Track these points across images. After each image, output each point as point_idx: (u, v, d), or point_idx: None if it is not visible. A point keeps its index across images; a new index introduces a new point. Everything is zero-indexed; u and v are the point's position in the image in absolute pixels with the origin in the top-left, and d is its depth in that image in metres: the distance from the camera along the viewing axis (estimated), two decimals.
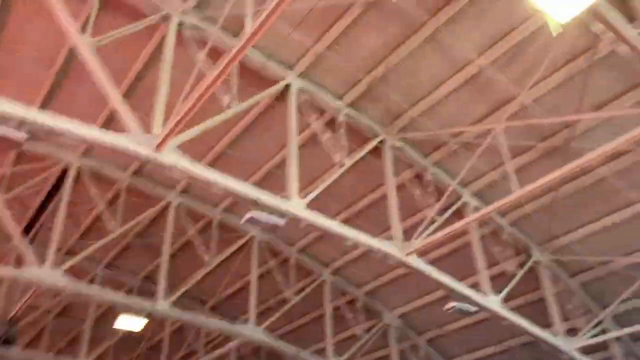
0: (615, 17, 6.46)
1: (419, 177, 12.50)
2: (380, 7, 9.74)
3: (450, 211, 12.00)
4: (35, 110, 7.83)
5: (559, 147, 11.22)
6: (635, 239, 12.50)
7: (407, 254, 10.63)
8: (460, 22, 9.78)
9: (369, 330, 16.87)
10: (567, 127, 10.82)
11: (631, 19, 8.56)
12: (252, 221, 9.53)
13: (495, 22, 9.69)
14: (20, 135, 7.55)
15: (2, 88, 11.18)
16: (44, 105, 11.67)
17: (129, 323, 15.43)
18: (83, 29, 8.79)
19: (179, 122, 8.06)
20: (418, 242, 10.55)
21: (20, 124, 7.46)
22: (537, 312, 13.79)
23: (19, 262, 15.33)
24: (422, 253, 11.24)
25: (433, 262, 14.07)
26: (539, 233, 13.35)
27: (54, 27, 9.71)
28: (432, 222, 11.26)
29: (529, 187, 9.25)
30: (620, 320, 13.85)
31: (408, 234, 11.30)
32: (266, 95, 10.74)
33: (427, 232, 10.76)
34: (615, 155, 10.99)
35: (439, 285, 11.46)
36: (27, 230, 15.51)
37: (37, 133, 8.27)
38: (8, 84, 11.31)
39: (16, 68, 11.06)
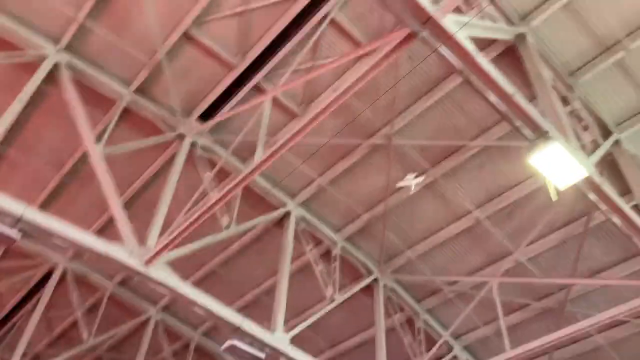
0: (609, 189, 6.71)
1: (410, 322, 12.13)
2: (384, 151, 10.17)
3: None
4: (34, 209, 7.83)
5: (553, 309, 11.02)
6: None
7: None
8: (460, 174, 10.15)
9: None
10: (562, 290, 10.71)
11: (624, 192, 8.89)
12: (232, 350, 9.05)
13: (494, 178, 10.04)
14: (14, 232, 7.47)
15: (8, 184, 11.37)
16: (45, 204, 11.72)
17: None
18: (99, 137, 9.10)
19: (175, 237, 8.02)
20: None
21: (17, 221, 7.41)
22: None
23: None
24: None
25: None
26: None
27: (71, 131, 10.13)
28: None
29: (522, 348, 8.92)
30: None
31: None
32: (266, 220, 10.81)
33: None
34: (612, 325, 10.71)
35: None
36: None
37: (30, 231, 8.20)
38: (15, 180, 11.46)
39: (26, 166, 11.28)
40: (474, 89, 6.57)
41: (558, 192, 7.19)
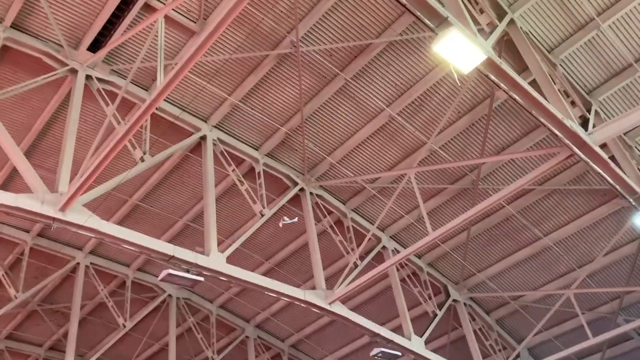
0: (507, 68, 7.03)
1: (338, 223, 12.63)
2: (292, 60, 10.00)
3: (370, 256, 12.18)
4: None
5: (467, 189, 11.84)
6: (543, 273, 13.26)
7: (331, 302, 10.56)
8: (369, 73, 10.24)
9: None
10: (473, 170, 11.47)
11: (522, 69, 9.40)
12: (170, 279, 9.08)
13: (402, 73, 10.23)
14: None
15: None
16: None
17: None
18: None
19: (87, 179, 7.65)
20: (341, 289, 10.53)
21: None
22: (460, 350, 14.10)
23: None
24: (345, 300, 11.22)
25: (356, 308, 14.17)
26: (456, 272, 13.82)
27: None
28: (354, 267, 11.33)
29: (442, 229, 9.58)
30: (535, 352, 14.49)
31: (331, 281, 11.30)
32: (181, 147, 10.53)
33: (350, 278, 10.79)
34: (519, 195, 11.75)
35: (364, 331, 11.43)
36: None
37: None
38: None
39: None
40: None
41: (462, 77, 7.46)
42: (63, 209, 7.79)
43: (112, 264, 14.21)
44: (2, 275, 12.77)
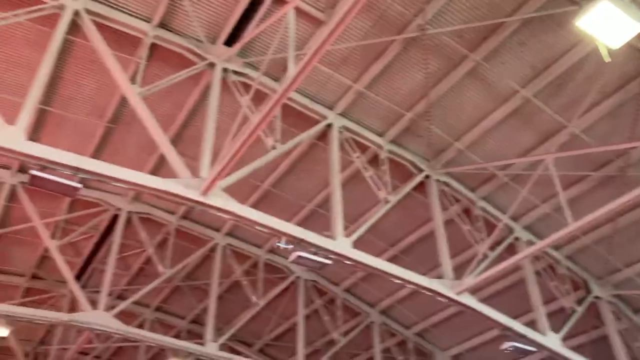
0: None
1: (467, 212, 12.20)
2: (419, 43, 9.77)
3: (502, 247, 11.63)
4: (88, 158, 8.11)
5: (614, 176, 10.78)
6: None
7: (459, 292, 10.28)
8: (502, 54, 9.69)
9: None
10: (621, 156, 10.41)
11: None
12: (299, 261, 9.47)
13: (539, 52, 9.54)
14: (74, 183, 7.81)
15: (57, 139, 11.77)
16: (96, 153, 12.14)
17: None
18: (132, 79, 9.16)
19: (225, 165, 8.19)
20: (470, 280, 10.20)
21: (74, 172, 7.73)
22: (600, 351, 13.00)
23: (72, 307, 15.72)
24: (474, 291, 10.86)
25: (486, 300, 13.61)
26: (598, 266, 12.72)
27: (106, 79, 10.24)
28: (484, 258, 10.90)
29: (585, 220, 8.85)
30: None
31: (458, 271, 10.97)
32: (309, 135, 10.83)
33: (479, 269, 10.41)
34: None
35: (494, 324, 10.99)
36: (79, 275, 15.94)
37: (89, 180, 8.56)
38: (63, 134, 11.84)
39: (70, 120, 11.59)
40: None
41: (610, 54, 6.77)
42: (205, 192, 8.42)
43: (246, 245, 15.13)
44: (152, 252, 14.14)
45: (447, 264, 10.73)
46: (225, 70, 10.12)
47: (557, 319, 12.37)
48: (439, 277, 10.63)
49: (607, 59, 6.83)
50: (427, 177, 11.80)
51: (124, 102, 10.95)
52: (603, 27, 5.75)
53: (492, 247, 11.29)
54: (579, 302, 12.48)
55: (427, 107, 10.48)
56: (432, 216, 11.51)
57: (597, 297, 12.82)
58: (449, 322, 15.53)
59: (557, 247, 12.68)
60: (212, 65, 10.07)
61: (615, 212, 8.95)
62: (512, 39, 9.46)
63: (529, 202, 11.86)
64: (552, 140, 10.57)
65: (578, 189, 11.25)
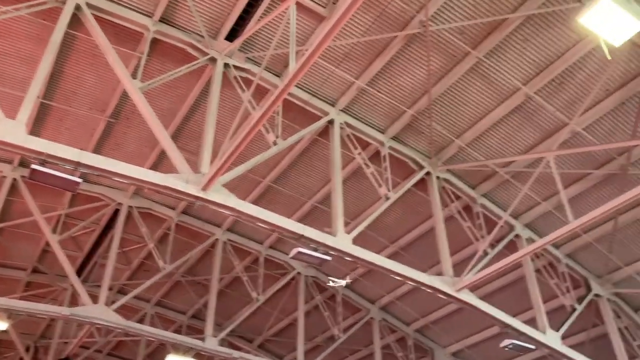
0: None
1: (467, 209, 12.19)
2: (421, 40, 9.74)
3: (502, 244, 11.62)
4: (89, 153, 8.11)
5: (615, 175, 10.76)
6: None
7: (459, 290, 10.28)
8: (504, 51, 9.66)
9: None
10: (623, 154, 10.38)
11: None
12: (300, 257, 9.47)
13: (541, 49, 9.51)
14: (75, 177, 7.82)
15: (58, 133, 11.79)
16: (97, 147, 12.15)
17: None
18: (133, 74, 9.15)
19: (226, 160, 8.18)
20: (470, 277, 10.20)
21: (75, 166, 7.73)
22: (600, 349, 13.00)
23: (73, 301, 15.76)
24: (474, 288, 10.85)
25: (486, 297, 13.62)
26: (598, 265, 12.71)
27: (107, 73, 10.24)
28: (484, 255, 10.90)
29: (585, 218, 8.84)
30: None
31: (458, 268, 10.98)
32: (310, 131, 10.81)
33: (479, 266, 10.40)
34: None
35: (494, 321, 10.99)
36: (80, 269, 15.98)
37: (90, 175, 8.57)
38: (64, 129, 11.86)
39: (72, 114, 11.59)
40: None
41: (612, 51, 6.74)
42: (205, 188, 8.42)
43: (247, 241, 15.14)
44: (153, 247, 14.16)
45: (447, 261, 10.72)
46: (226, 65, 10.11)
47: (557, 316, 12.38)
48: (439, 274, 10.63)
49: (609, 57, 6.80)
50: (427, 174, 11.78)
51: (125, 96, 10.95)
52: (605, 25, 5.72)
53: (493, 245, 11.30)
54: (579, 300, 12.48)
55: (429, 104, 10.46)
56: (432, 213, 11.50)
57: (597, 295, 12.82)
58: (449, 319, 15.55)
59: (557, 245, 12.68)
60: (213, 60, 10.06)
61: (615, 211, 8.93)
62: (514, 36, 9.43)
63: (530, 200, 11.85)
64: (553, 137, 10.54)
65: (579, 187, 11.23)
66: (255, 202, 13.10)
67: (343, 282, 9.26)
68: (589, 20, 5.72)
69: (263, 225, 9.17)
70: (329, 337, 16.48)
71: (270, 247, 15.29)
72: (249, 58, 10.38)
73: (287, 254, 10.22)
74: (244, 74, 10.34)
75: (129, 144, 12.34)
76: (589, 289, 12.83)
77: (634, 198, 8.26)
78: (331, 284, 9.33)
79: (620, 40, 5.92)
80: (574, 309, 12.11)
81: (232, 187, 9.02)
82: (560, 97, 10.07)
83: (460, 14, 9.29)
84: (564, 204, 9.19)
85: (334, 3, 9.35)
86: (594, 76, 9.55)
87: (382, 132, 11.61)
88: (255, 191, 13.16)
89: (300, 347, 14.63)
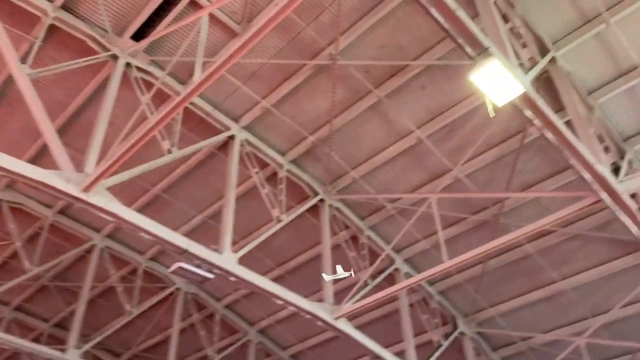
0: (544, 105, 6.96)
1: (354, 239, 12.57)
2: (329, 72, 10.05)
3: (382, 276, 12.08)
4: None
5: (487, 222, 11.68)
6: (555, 317, 12.96)
7: (337, 318, 10.49)
8: (403, 94, 10.23)
9: None
10: (496, 203, 11.32)
11: (558, 109, 9.26)
12: (180, 272, 9.17)
13: (436, 97, 10.20)
14: None
15: None
16: None
17: None
18: (23, 58, 8.50)
19: (113, 163, 7.79)
20: (348, 306, 10.46)
21: None
22: None
23: None
24: (351, 317, 11.13)
25: (362, 327, 14.02)
26: (466, 304, 13.61)
27: None
28: (364, 285, 11.25)
29: (458, 259, 9.48)
30: None
31: (339, 296, 11.22)
32: (209, 143, 10.63)
33: (358, 295, 10.71)
34: (540, 234, 11.54)
35: (366, 351, 11.31)
36: None
37: None
38: None
39: None
40: (418, 5, 6.49)
41: (496, 109, 7.40)
42: (87, 189, 7.91)
43: (126, 250, 14.38)
44: (19, 246, 13.01)
45: (328, 288, 10.92)
46: (128, 64, 9.71)
47: (425, 351, 13.02)
48: (321, 300, 10.79)
49: (492, 114, 7.45)
50: (321, 200, 12.03)
51: (10, 81, 10.10)
52: (491, 85, 6.29)
53: (374, 276, 11.71)
54: (446, 336, 13.23)
55: (330, 133, 10.75)
56: (321, 240, 11.71)
57: (461, 333, 13.68)
58: (324, 346, 15.75)
59: (432, 282, 13.42)
60: (114, 57, 9.62)
61: (485, 255, 9.68)
62: (414, 82, 10.04)
63: (412, 237, 12.49)
64: (438, 181, 11.26)
65: (455, 230, 12.05)
66: (141, 210, 12.53)
67: (210, 275, 9.00)
68: (477, 79, 6.25)
69: (146, 236, 8.78)
70: (202, 357, 16.00)
71: (152, 258, 14.64)
72: (153, 61, 10.06)
73: (169, 268, 9.83)
74: (146, 77, 9.98)
75: (9, 131, 11.34)
76: (455, 326, 13.67)
77: (502, 245, 9.01)
78: (194, 269, 8.90)
79: (503, 101, 6.53)
80: (440, 345, 12.81)
81: (117, 191, 8.55)
82: (448, 145, 10.82)
83: (368, 54, 9.73)
84: (441, 243, 9.78)
85: (248, 22, 9.39)
86: (478, 129, 10.38)
87: (282, 154, 11.72)
88: (143, 198, 12.61)
89: None
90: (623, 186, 7.73)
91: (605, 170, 7.53)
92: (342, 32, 9.43)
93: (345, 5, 9.14)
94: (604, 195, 7.61)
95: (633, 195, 8.17)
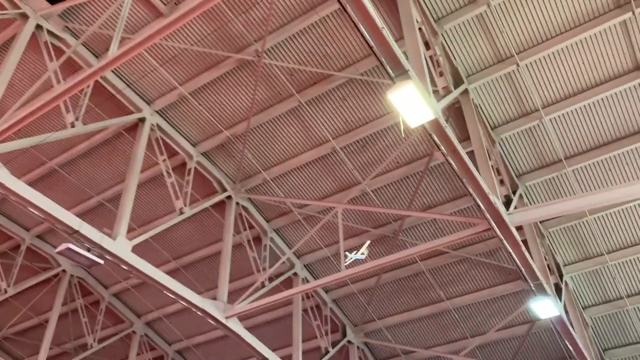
0: (451, 133, 7.33)
1: (257, 240, 12.50)
2: (253, 68, 9.97)
3: (280, 279, 12.10)
4: None
5: (387, 237, 12.09)
6: (437, 334, 13.65)
7: (228, 317, 10.34)
8: (324, 103, 10.37)
9: None
10: (397, 220, 11.75)
11: (464, 138, 9.82)
12: (68, 254, 8.61)
13: (354, 111, 10.44)
14: None
15: None
16: None
17: None
18: None
19: (8, 128, 7.20)
20: (242, 306, 10.35)
21: None
22: None
23: None
24: (243, 317, 11.04)
25: (253, 328, 13.97)
26: (357, 314, 13.97)
27: None
28: (261, 287, 11.21)
29: (355, 269, 9.69)
30: None
31: (234, 295, 11.10)
32: (117, 123, 10.14)
33: (254, 297, 10.64)
34: (433, 254, 12.13)
35: (254, 353, 11.24)
36: None
37: None
38: None
39: None
40: (348, 18, 6.60)
41: (408, 131, 7.69)
42: None
43: (10, 224, 13.33)
44: None
45: (224, 286, 10.75)
46: (39, 27, 9.05)
47: (312, 357, 13.19)
48: (215, 298, 10.59)
49: (404, 135, 7.74)
50: (228, 197, 11.85)
51: None
52: (406, 106, 6.53)
53: (271, 279, 11.70)
54: (334, 344, 13.47)
55: (246, 130, 10.64)
56: (223, 237, 11.53)
57: (349, 342, 14.00)
58: (212, 344, 15.48)
59: (327, 289, 13.64)
60: (25, 16, 8.93)
61: (381, 268, 10.02)
62: (335, 92, 10.21)
63: (314, 243, 12.64)
64: (346, 192, 11.51)
65: (356, 241, 12.33)
66: (33, 183, 11.70)
67: (99, 260, 8.53)
68: (394, 99, 6.45)
69: (34, 211, 8.17)
70: (80, 345, 15.15)
71: (38, 236, 13.68)
72: (68, 28, 9.45)
73: (57, 248, 9.21)
74: (57, 42, 9.36)
75: None
76: (344, 334, 13.97)
77: (397, 260, 9.34)
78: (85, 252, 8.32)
79: (415, 123, 6.79)
80: (327, 352, 13.02)
81: (7, 159, 7.93)
82: (360, 158, 11.09)
83: (294, 57, 9.77)
84: (341, 253, 9.98)
85: (176, 3, 9.08)
86: (390, 147, 10.76)
87: (194, 145, 11.43)
88: (37, 171, 11.74)
89: (44, 352, 13.12)
90: (511, 218, 8.30)
91: (497, 202, 8.05)
92: (271, 31, 9.41)
93: (277, 5, 9.13)
94: (494, 225, 8.13)
95: (519, 228, 8.81)
